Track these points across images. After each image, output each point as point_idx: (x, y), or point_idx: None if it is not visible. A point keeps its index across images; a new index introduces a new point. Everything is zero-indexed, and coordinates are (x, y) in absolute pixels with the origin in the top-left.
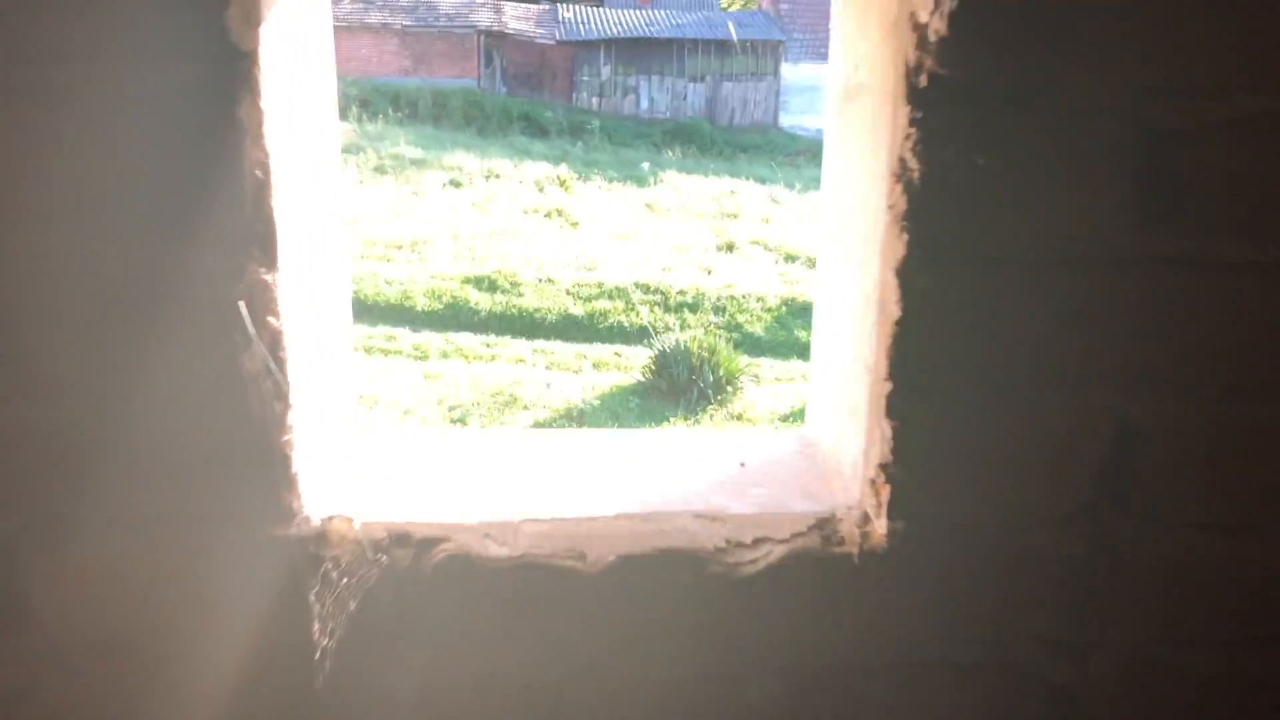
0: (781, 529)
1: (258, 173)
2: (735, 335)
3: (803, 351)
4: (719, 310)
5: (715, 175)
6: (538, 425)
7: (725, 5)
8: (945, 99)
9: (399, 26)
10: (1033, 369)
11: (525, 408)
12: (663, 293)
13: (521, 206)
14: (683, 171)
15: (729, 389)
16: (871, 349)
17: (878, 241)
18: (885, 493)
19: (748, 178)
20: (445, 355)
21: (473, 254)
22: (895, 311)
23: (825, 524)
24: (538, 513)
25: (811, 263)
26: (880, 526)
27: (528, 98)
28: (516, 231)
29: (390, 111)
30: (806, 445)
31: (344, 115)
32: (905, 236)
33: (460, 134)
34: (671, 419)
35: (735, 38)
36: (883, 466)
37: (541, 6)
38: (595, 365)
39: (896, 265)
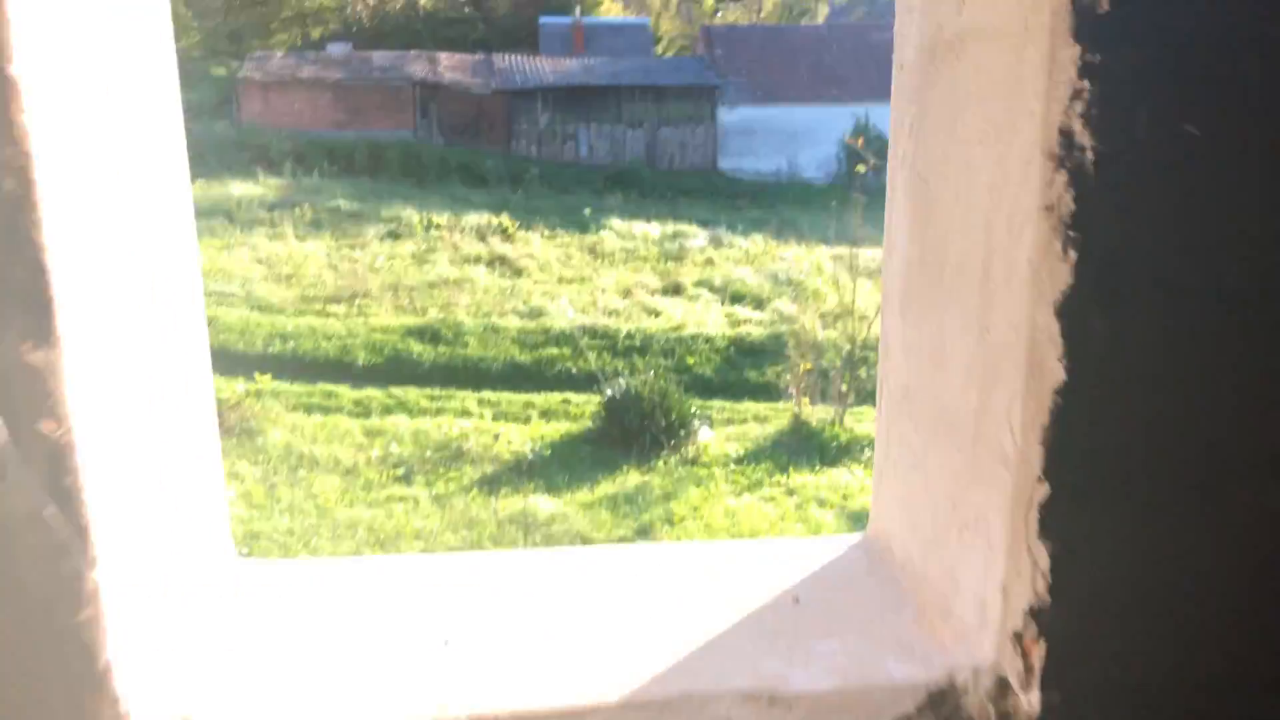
0: (877, 711)
1: (8, 182)
2: (685, 378)
3: (753, 391)
4: (668, 353)
5: (658, 219)
6: (485, 479)
7: (660, 52)
8: (1136, 36)
9: (332, 80)
10: (1253, 456)
11: (472, 462)
12: (610, 337)
13: (463, 255)
14: (625, 216)
15: (682, 433)
16: (1014, 431)
17: (1021, 265)
18: (1038, 651)
19: (690, 220)
20: (388, 410)
21: (414, 305)
22: (1056, 372)
23: (942, 700)
24: (495, 708)
25: (757, 302)
26: (1030, 701)
27: (465, 148)
28: (459, 281)
29: (326, 165)
30: (878, 561)
31: (278, 170)
32: (1072, 255)
33: (398, 185)
34: (625, 466)
35: (672, 84)
36: (1034, 612)
37: (476, 57)
38: (544, 414)
39: (1057, 301)
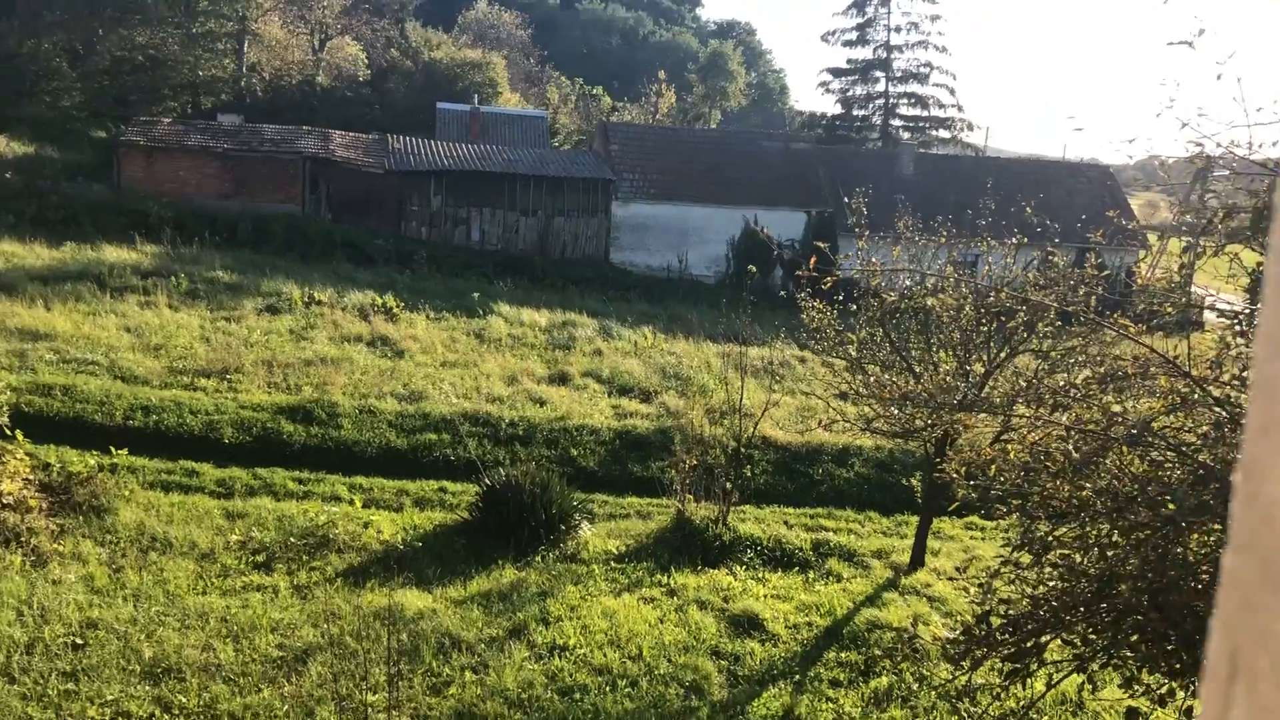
0: None
1: None
2: (568, 469)
3: (636, 486)
4: (551, 443)
5: (547, 307)
6: (352, 570)
7: (558, 145)
8: None
9: (220, 149)
10: None
11: (339, 550)
12: (493, 425)
13: (343, 334)
14: (514, 303)
15: (562, 527)
16: None
17: None
18: None
19: (580, 310)
20: (252, 492)
21: (288, 383)
22: None
23: None
24: None
25: (644, 395)
26: None
27: (355, 226)
28: (337, 360)
29: (207, 235)
30: None
31: (157, 237)
32: None
33: (281, 260)
34: (501, 561)
35: (567, 176)
36: None
37: (371, 136)
38: (418, 502)
39: None
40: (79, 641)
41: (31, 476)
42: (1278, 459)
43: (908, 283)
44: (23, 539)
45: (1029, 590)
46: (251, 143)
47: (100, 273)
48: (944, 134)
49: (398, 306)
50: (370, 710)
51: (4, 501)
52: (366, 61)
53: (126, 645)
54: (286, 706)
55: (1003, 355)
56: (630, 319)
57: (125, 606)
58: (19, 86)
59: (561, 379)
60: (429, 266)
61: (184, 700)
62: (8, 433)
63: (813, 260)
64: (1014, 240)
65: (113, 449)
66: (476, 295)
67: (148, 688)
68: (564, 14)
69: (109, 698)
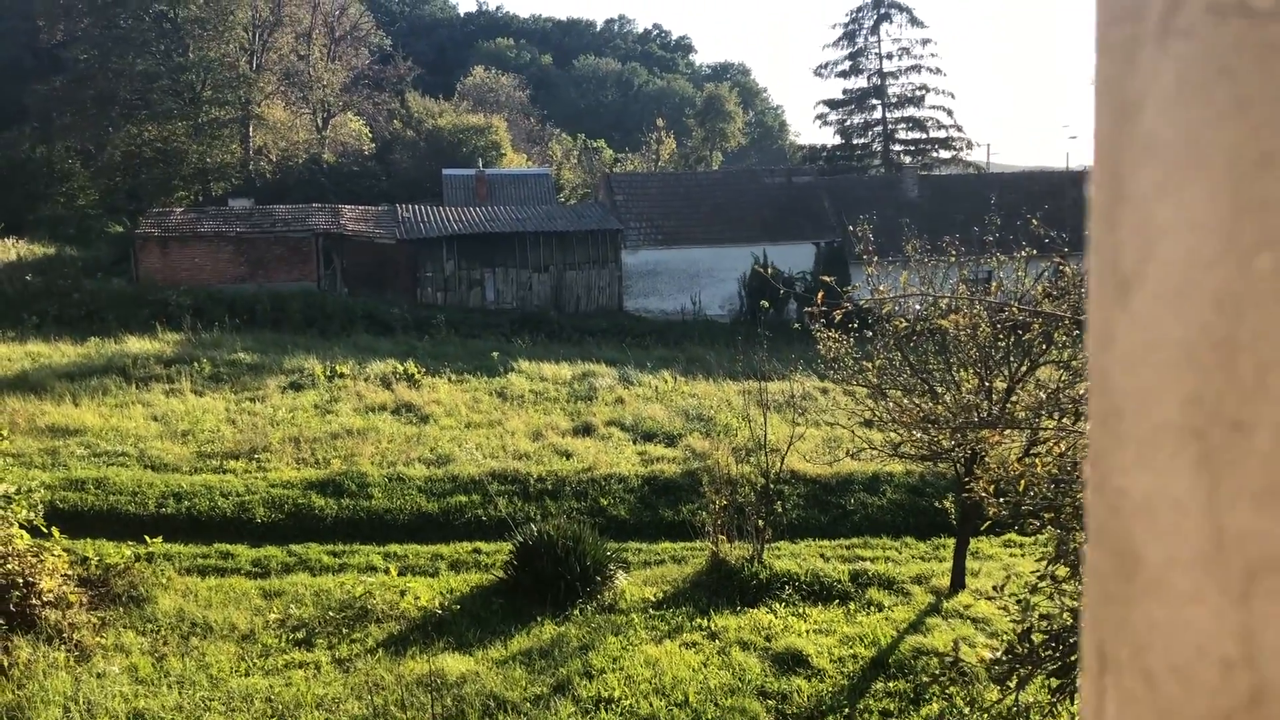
0: None
1: None
2: (599, 520)
3: (668, 531)
4: (580, 495)
5: (566, 360)
6: (391, 639)
7: (563, 200)
8: None
9: (233, 234)
10: None
11: (377, 621)
12: (521, 482)
13: (367, 404)
14: (533, 359)
15: (598, 579)
16: None
17: None
18: None
19: (598, 360)
20: (288, 569)
21: (316, 457)
22: None
23: None
24: None
25: (669, 439)
26: None
27: (370, 297)
28: (363, 430)
29: (226, 318)
30: None
31: (177, 325)
32: None
33: (301, 336)
34: (540, 617)
35: (575, 229)
36: None
37: (380, 208)
38: (453, 565)
39: None
40: None
41: (70, 572)
42: (1118, 449)
43: (917, 307)
44: (65, 634)
45: (1069, 603)
46: (263, 224)
47: (125, 364)
48: (945, 154)
49: (419, 372)
50: None
51: (45, 599)
52: (370, 135)
53: None
54: None
55: (1023, 369)
56: (649, 364)
57: (170, 694)
58: (34, 190)
59: (586, 430)
60: (447, 330)
61: None
62: (44, 530)
63: (820, 296)
64: (1023, 253)
65: (147, 538)
66: (496, 354)
67: None
68: (559, 72)
69: None
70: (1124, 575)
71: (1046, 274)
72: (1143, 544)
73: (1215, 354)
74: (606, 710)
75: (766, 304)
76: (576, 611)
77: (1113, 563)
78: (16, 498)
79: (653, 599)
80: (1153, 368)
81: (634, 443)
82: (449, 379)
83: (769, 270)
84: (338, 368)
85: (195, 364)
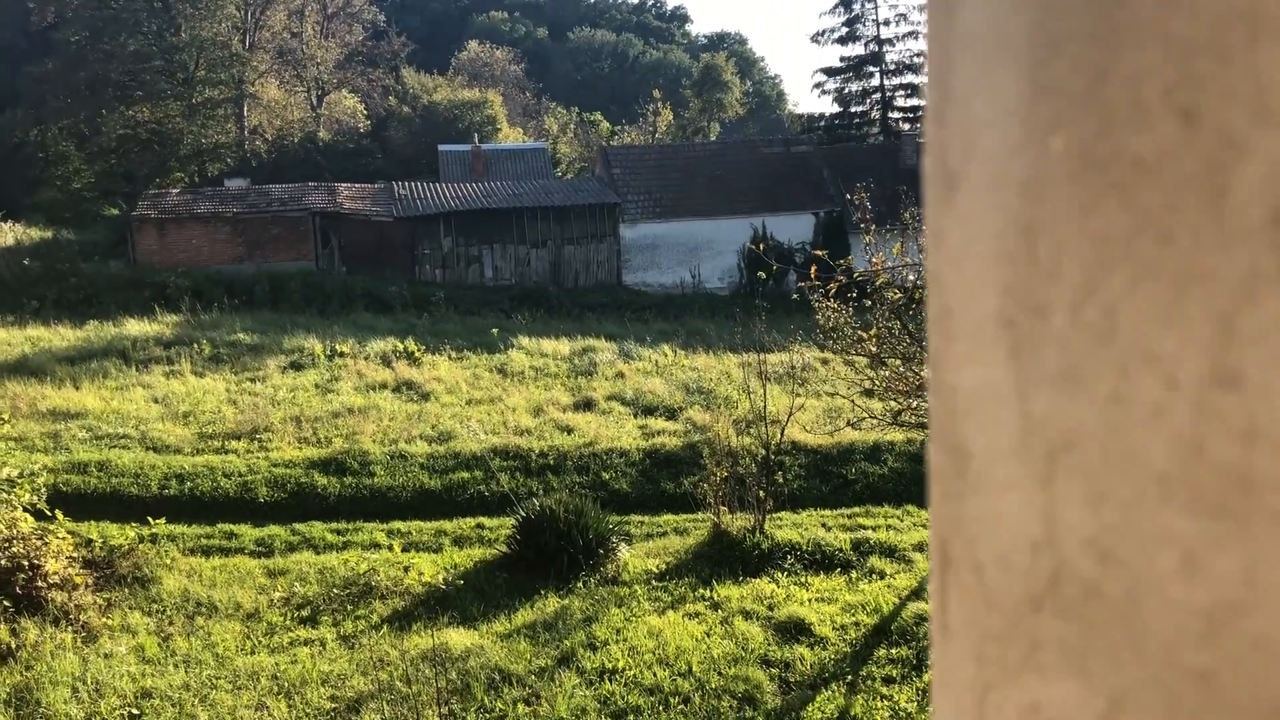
0: None
1: None
2: (601, 494)
3: (670, 503)
4: (582, 469)
5: (566, 336)
6: (396, 615)
7: (560, 174)
8: None
9: (230, 214)
10: None
11: (381, 597)
12: (522, 457)
13: (368, 382)
14: (533, 335)
15: (600, 551)
16: None
17: None
18: None
19: (598, 335)
20: (292, 548)
21: (318, 436)
22: None
23: None
24: None
25: (670, 413)
26: None
27: (369, 275)
28: (364, 409)
29: (225, 299)
30: None
31: (175, 307)
32: None
33: (300, 316)
34: (543, 590)
35: (572, 203)
36: None
37: (376, 185)
38: (456, 541)
39: None
40: (135, 712)
41: (75, 554)
42: (950, 347)
43: (912, 277)
44: (71, 616)
45: None
46: (260, 204)
47: (124, 347)
48: None
49: (419, 350)
50: None
51: (51, 582)
52: (365, 112)
53: (181, 712)
54: None
55: None
56: (649, 338)
57: (177, 673)
58: (30, 174)
59: (587, 405)
60: (446, 308)
61: None
62: (48, 513)
63: (814, 269)
64: None
65: (150, 519)
66: (495, 331)
67: None
68: (555, 45)
69: None
70: (957, 471)
71: None
72: (971, 439)
73: (1021, 240)
74: (611, 681)
75: (765, 276)
76: (580, 584)
77: (949, 460)
78: (20, 481)
79: (655, 570)
80: (974, 261)
81: (635, 417)
82: (449, 356)
83: (768, 241)
84: (338, 347)
85: (195, 345)
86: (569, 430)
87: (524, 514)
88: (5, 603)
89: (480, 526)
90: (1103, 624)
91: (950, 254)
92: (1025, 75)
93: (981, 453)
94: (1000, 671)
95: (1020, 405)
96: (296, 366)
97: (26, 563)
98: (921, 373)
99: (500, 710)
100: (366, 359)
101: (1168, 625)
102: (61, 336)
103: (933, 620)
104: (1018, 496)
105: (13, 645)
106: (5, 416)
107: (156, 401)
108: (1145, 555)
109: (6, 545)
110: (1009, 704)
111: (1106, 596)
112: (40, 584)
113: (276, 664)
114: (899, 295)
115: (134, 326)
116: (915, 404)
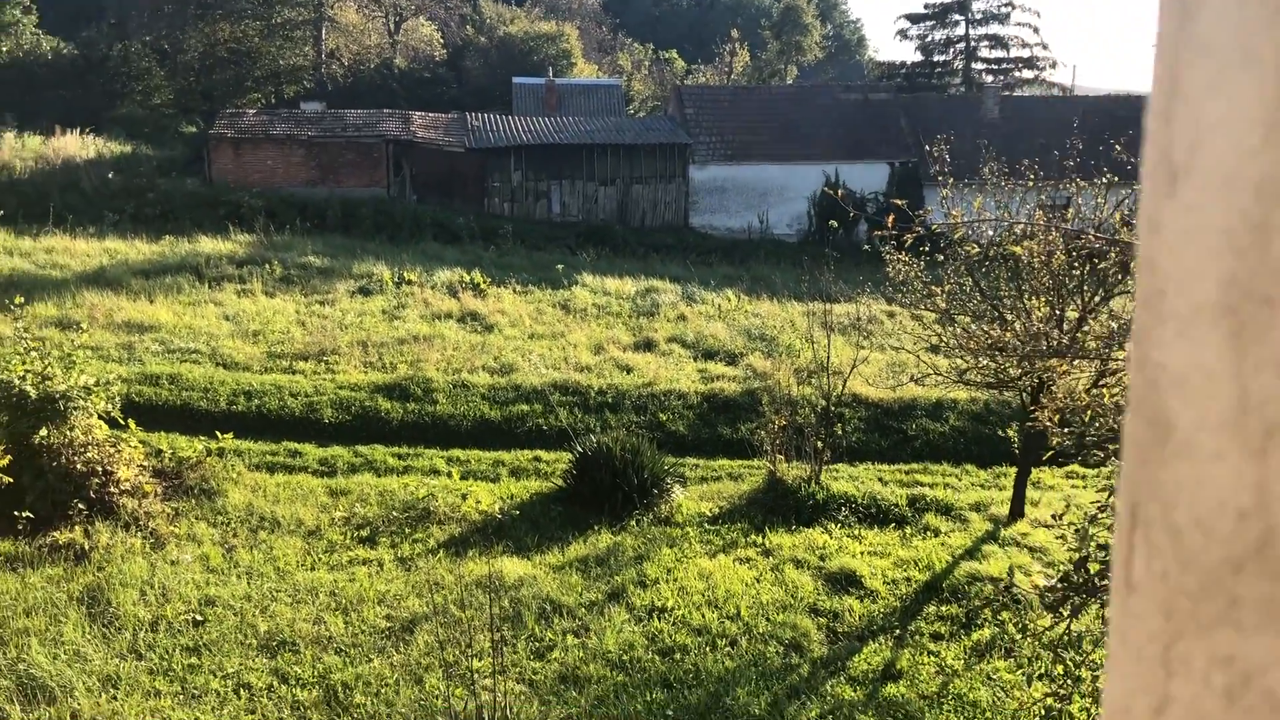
0: None
1: None
2: (658, 434)
3: (726, 449)
4: (640, 409)
5: (630, 275)
6: (452, 541)
7: (633, 112)
8: None
9: (305, 137)
10: None
11: (439, 522)
12: (581, 393)
13: (434, 311)
14: (597, 273)
15: (655, 491)
16: None
17: None
18: None
19: (662, 277)
20: (354, 469)
21: (383, 362)
22: None
23: None
24: None
25: (730, 358)
26: None
27: (439, 205)
28: (429, 337)
29: (298, 222)
30: None
31: (249, 226)
32: None
33: (370, 242)
34: (597, 526)
35: (643, 142)
36: None
37: (450, 115)
38: (514, 472)
39: None
40: (198, 618)
41: (145, 463)
42: (1158, 327)
43: (991, 232)
44: (141, 522)
45: None
46: (335, 129)
47: (198, 264)
48: (1028, 74)
49: (485, 282)
50: (477, 676)
51: (123, 488)
52: (442, 41)
53: (243, 620)
54: (396, 675)
55: (1097, 299)
56: (713, 282)
57: (239, 584)
58: (111, 88)
59: (647, 345)
60: (513, 241)
61: (299, 671)
62: (121, 422)
63: (890, 219)
64: (1104, 180)
65: (218, 434)
66: (560, 267)
67: (265, 660)
68: None
69: (229, 670)
70: (1157, 440)
71: (1127, 202)
72: (1176, 412)
73: (1252, 237)
74: (659, 619)
75: (835, 224)
76: (633, 522)
77: (1148, 431)
78: (95, 389)
79: (708, 514)
80: (1195, 251)
81: (694, 360)
82: (514, 290)
83: (840, 190)
84: (406, 274)
85: (266, 265)
86: (628, 369)
87: (581, 450)
88: (80, 505)
89: (537, 459)
90: None
91: (1168, 242)
92: (1270, 86)
93: (1187, 425)
94: (1193, 625)
95: (1238, 385)
96: (365, 292)
97: (100, 468)
98: (991, 331)
99: (550, 640)
100: (433, 288)
101: None
102: (138, 250)
103: (1114, 575)
104: (1226, 467)
105: (86, 546)
106: (84, 325)
107: (227, 319)
108: None
109: (83, 450)
110: (1198, 655)
111: None
112: (113, 490)
113: (335, 581)
114: (976, 250)
115: (208, 244)
116: (984, 362)
